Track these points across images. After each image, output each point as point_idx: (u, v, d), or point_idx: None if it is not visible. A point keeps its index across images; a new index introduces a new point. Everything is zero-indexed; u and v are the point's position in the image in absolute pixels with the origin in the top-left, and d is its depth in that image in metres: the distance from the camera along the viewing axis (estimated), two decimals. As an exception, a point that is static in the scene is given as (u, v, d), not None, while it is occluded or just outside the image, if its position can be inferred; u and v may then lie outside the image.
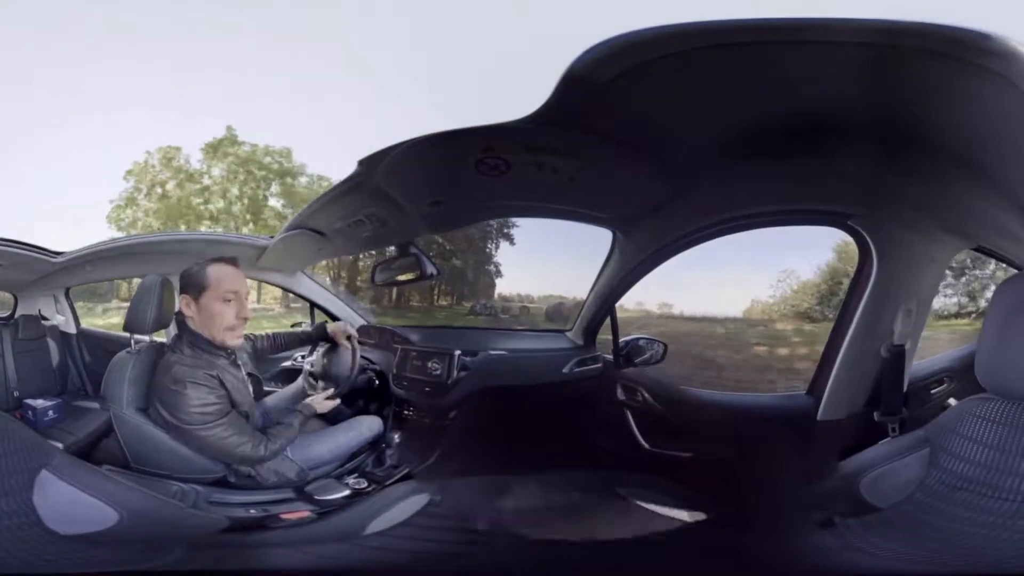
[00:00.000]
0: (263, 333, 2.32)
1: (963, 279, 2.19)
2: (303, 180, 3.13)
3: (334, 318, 2.92)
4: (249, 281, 2.07)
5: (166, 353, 1.92)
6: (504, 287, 2.82)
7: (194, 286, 1.85)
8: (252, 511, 1.90)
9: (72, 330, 2.82)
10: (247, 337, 2.11)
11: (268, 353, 2.32)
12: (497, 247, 2.72)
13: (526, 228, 2.52)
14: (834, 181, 1.92)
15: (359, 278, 3.03)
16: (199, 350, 1.87)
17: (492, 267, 2.81)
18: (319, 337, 2.35)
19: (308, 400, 2.10)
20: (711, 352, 2.46)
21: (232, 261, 1.91)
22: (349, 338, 2.27)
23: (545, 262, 2.58)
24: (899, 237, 1.99)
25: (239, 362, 1.97)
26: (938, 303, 2.10)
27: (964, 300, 2.21)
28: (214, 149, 3.06)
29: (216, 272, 1.86)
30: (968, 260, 2.21)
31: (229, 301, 1.85)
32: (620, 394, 2.41)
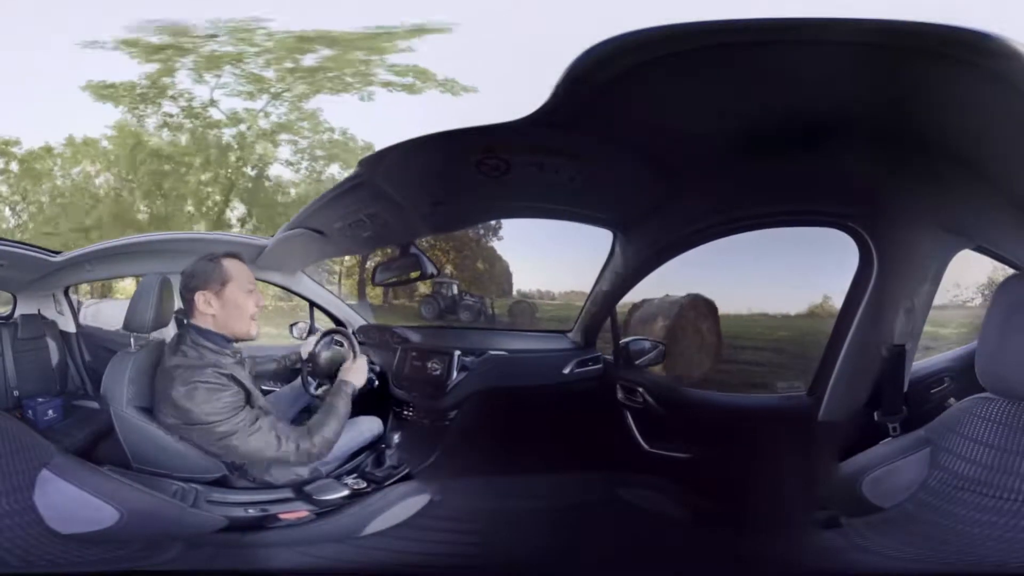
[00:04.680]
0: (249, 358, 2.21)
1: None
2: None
3: (334, 318, 2.93)
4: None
5: (165, 357, 1.86)
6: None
7: (215, 281, 1.82)
8: (251, 511, 1.90)
9: (72, 329, 2.83)
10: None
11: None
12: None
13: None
14: (834, 181, 1.92)
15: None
16: (206, 350, 1.81)
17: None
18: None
19: (342, 376, 1.96)
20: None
21: (239, 255, 1.91)
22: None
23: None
24: (899, 237, 1.99)
25: (244, 364, 1.93)
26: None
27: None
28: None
29: (233, 265, 1.85)
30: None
31: (251, 292, 1.86)
32: (620, 395, 2.41)
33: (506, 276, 2.72)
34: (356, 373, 2.00)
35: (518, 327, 2.69)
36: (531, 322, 2.68)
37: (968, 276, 2.10)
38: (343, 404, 1.91)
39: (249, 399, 1.81)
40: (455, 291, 2.80)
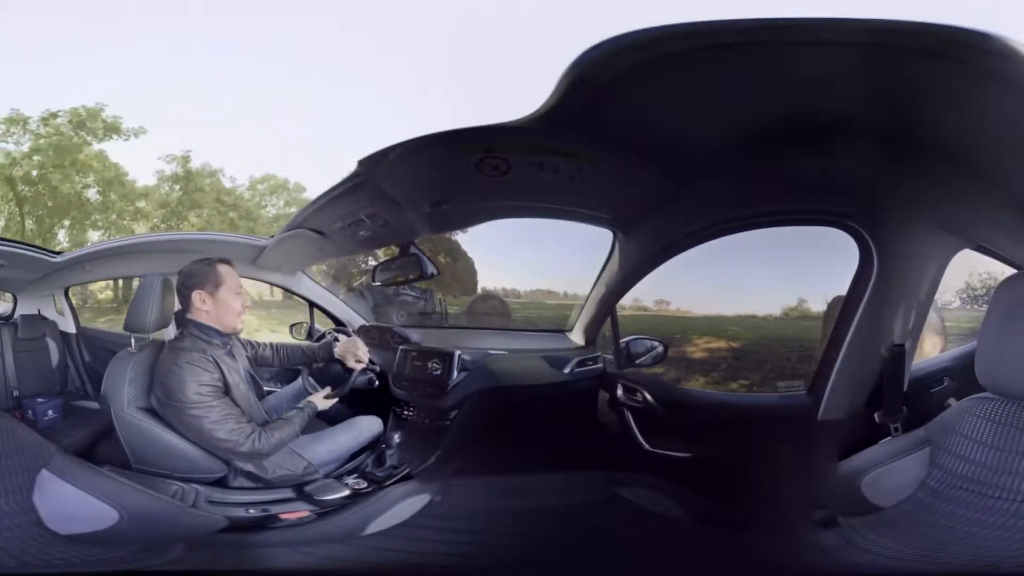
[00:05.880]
0: (265, 343, 2.35)
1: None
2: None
3: (334, 319, 2.93)
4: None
5: (166, 347, 2.02)
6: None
7: (210, 283, 2.04)
8: (251, 511, 1.90)
9: (72, 329, 2.83)
10: (249, 344, 2.26)
11: (268, 364, 2.34)
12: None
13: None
14: (834, 181, 1.92)
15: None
16: (199, 340, 1.99)
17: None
18: (324, 357, 2.34)
19: (309, 398, 2.13)
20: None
21: (229, 260, 2.12)
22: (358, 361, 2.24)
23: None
24: (899, 237, 1.99)
25: (235, 355, 2.07)
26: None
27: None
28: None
29: (226, 270, 2.08)
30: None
31: (239, 294, 2.09)
32: (620, 394, 2.41)
33: (470, 273, 2.64)
34: (322, 402, 2.16)
35: (483, 326, 2.63)
36: (499, 321, 2.61)
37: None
38: (299, 422, 2.07)
39: (228, 390, 1.96)
40: (390, 284, 2.59)
